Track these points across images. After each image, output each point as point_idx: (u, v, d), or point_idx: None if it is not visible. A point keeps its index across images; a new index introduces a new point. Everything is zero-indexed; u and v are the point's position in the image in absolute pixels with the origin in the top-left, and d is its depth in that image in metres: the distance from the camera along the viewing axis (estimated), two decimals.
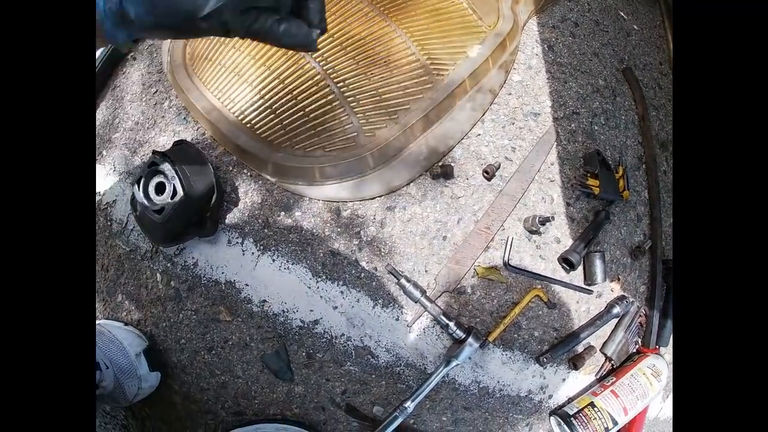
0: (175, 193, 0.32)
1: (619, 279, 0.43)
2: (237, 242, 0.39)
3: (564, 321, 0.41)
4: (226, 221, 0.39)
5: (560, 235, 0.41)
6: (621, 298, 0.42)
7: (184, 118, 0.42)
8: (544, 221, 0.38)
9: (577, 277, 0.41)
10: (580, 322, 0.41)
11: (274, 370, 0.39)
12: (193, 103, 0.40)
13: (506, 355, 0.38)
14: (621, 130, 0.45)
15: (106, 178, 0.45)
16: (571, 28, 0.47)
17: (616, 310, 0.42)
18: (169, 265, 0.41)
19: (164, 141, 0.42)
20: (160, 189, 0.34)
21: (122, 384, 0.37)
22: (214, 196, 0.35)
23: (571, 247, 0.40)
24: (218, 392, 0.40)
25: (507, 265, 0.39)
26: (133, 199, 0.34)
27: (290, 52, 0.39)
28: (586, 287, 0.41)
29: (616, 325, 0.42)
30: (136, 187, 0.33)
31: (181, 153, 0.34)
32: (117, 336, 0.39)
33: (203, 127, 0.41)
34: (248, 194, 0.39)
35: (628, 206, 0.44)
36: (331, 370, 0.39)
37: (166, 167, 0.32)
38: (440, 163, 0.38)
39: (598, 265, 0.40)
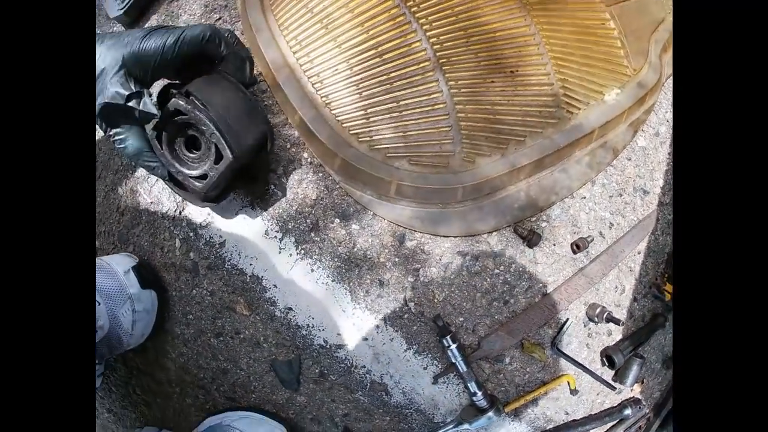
0: (219, 156, 0.23)
1: (642, 381, 0.42)
2: (275, 236, 0.31)
3: (577, 407, 0.38)
4: (269, 210, 0.31)
5: (613, 329, 0.38)
6: (636, 402, 0.39)
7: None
8: (611, 320, 0.34)
9: (608, 369, 0.39)
10: (592, 411, 0.41)
11: (281, 378, 0.35)
12: (261, 50, 0.30)
13: (513, 425, 0.35)
14: None
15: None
16: None
17: (627, 411, 0.39)
18: (191, 234, 0.33)
19: None
20: (192, 143, 0.24)
21: (117, 315, 0.31)
22: (269, 146, 0.26)
23: (617, 344, 0.37)
24: (216, 375, 0.35)
25: (554, 346, 0.36)
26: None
27: (399, 18, 0.28)
28: (613, 384, 0.39)
29: (617, 423, 0.42)
30: (158, 144, 0.24)
31: (215, 90, 0.23)
32: (104, 260, 0.33)
33: (266, 81, 0.31)
34: (302, 185, 0.31)
35: None
36: (339, 393, 0.35)
37: (199, 118, 0.22)
38: (530, 225, 0.31)
39: (634, 370, 0.35)
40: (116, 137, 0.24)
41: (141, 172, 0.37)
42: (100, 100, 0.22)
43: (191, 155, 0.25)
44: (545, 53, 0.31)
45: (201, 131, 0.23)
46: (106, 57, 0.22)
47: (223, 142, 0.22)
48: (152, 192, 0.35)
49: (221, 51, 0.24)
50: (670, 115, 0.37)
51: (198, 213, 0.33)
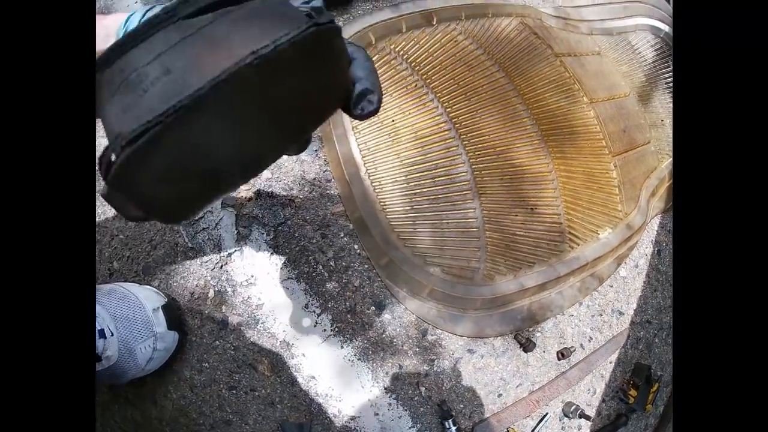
0: None
1: None
2: (314, 311, 0.36)
3: None
4: (314, 287, 0.35)
5: (583, 424, 0.45)
6: None
7: (315, 150, 0.37)
8: (582, 416, 0.42)
9: None
10: None
11: None
12: (334, 142, 0.36)
13: None
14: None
15: None
16: None
17: None
18: (229, 289, 0.37)
19: None
20: None
21: (133, 349, 0.32)
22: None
23: None
24: (217, 424, 0.37)
25: None
26: None
27: (452, 148, 0.34)
28: None
29: None
30: None
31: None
32: (132, 291, 0.34)
33: (332, 171, 0.36)
34: (347, 272, 0.36)
35: (643, 416, 0.46)
36: None
37: None
38: (528, 334, 0.38)
39: None
40: None
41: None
42: None
43: None
44: (559, 196, 0.39)
45: None
46: None
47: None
48: (196, 239, 0.38)
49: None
50: (649, 250, 0.46)
51: (241, 272, 0.37)
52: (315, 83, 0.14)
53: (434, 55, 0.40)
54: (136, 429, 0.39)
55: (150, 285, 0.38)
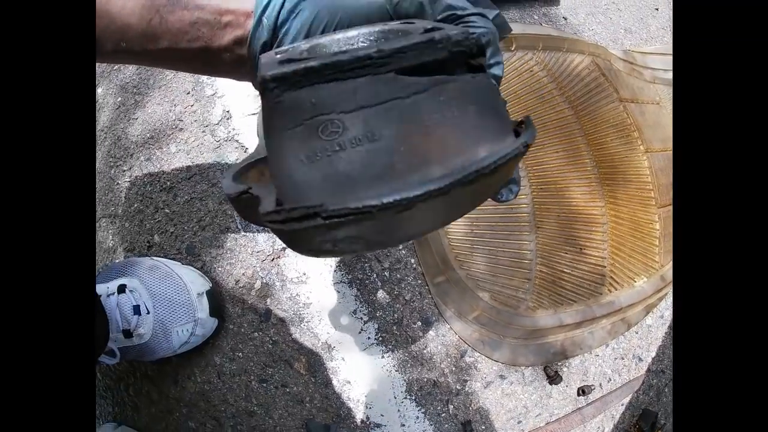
0: None
1: None
2: (361, 318, 0.36)
3: None
4: (365, 294, 0.35)
5: None
6: None
7: None
8: None
9: None
10: None
11: None
12: None
13: None
14: None
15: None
16: None
17: None
18: (278, 283, 0.37)
19: None
20: None
21: (169, 331, 0.31)
22: None
23: None
24: (239, 414, 0.37)
25: None
26: None
27: (521, 179, 0.35)
28: None
29: None
30: None
31: None
32: (176, 271, 0.33)
33: None
34: (400, 284, 0.36)
35: None
36: None
37: None
38: (556, 368, 0.39)
39: None
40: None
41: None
42: None
43: None
44: (606, 240, 0.40)
45: None
46: None
47: None
48: (250, 227, 0.37)
49: None
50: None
51: (294, 268, 0.37)
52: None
53: (510, 82, 0.41)
54: (150, 404, 0.39)
55: (192, 266, 0.37)
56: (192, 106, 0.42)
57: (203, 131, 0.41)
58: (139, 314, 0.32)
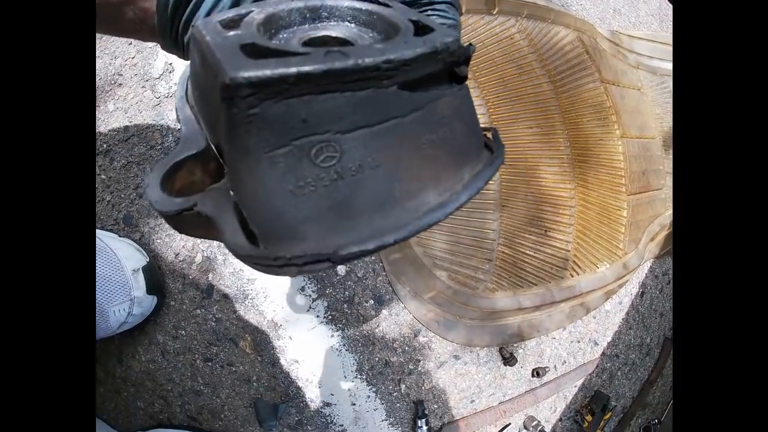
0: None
1: None
2: (309, 295, 0.34)
3: None
4: (314, 272, 0.33)
5: None
6: None
7: None
8: None
9: None
10: None
11: (260, 417, 0.36)
12: None
13: None
14: (631, 384, 0.51)
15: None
16: (664, 283, 0.50)
17: None
18: (220, 257, 0.33)
19: None
20: None
21: (105, 311, 0.28)
22: None
23: None
24: (186, 393, 0.35)
25: None
26: None
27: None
28: None
29: None
30: None
31: None
32: (110, 245, 0.30)
33: None
34: (352, 262, 0.35)
35: None
36: None
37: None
38: (512, 349, 0.39)
39: None
40: None
41: None
42: None
43: None
44: (573, 224, 0.39)
45: None
46: None
47: None
48: None
49: None
50: (635, 290, 0.49)
51: None
52: None
53: (488, 48, 0.37)
54: (98, 385, 0.36)
55: (130, 238, 0.33)
56: (133, 58, 0.36)
57: (143, 87, 0.36)
58: None
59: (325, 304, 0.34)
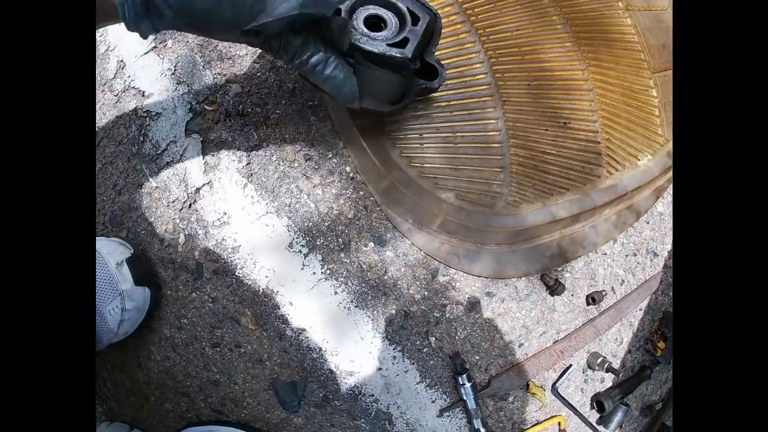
0: (404, 21, 0.22)
1: (622, 426, 0.45)
2: (299, 251, 0.29)
3: None
4: (298, 221, 0.28)
5: (606, 377, 0.40)
6: None
7: None
8: (610, 370, 0.36)
9: (594, 413, 0.40)
10: None
11: (281, 398, 0.32)
12: None
13: None
14: None
15: (157, 79, 0.31)
16: None
17: None
18: (200, 231, 0.30)
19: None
20: (373, 28, 0.22)
21: (101, 312, 0.26)
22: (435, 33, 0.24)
23: (607, 391, 0.39)
24: (205, 386, 0.32)
25: (554, 389, 0.37)
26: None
27: (467, 45, 0.27)
28: (597, 428, 0.42)
29: None
30: (355, 22, 0.21)
31: None
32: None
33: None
34: (339, 200, 0.28)
35: (665, 368, 0.41)
36: (341, 419, 0.33)
37: None
38: (556, 275, 0.32)
39: (618, 416, 0.38)
40: (307, 55, 0.18)
41: (147, 149, 0.32)
42: (285, 8, 0.15)
43: (378, 33, 0.22)
44: (596, 110, 0.31)
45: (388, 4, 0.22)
46: None
47: (418, 3, 0.22)
48: (159, 175, 0.31)
49: None
50: None
51: (212, 209, 0.30)
52: None
53: None
54: (128, 394, 0.35)
55: (118, 236, 0.31)
56: None
57: (102, 90, 0.35)
58: None
59: (319, 257, 0.29)
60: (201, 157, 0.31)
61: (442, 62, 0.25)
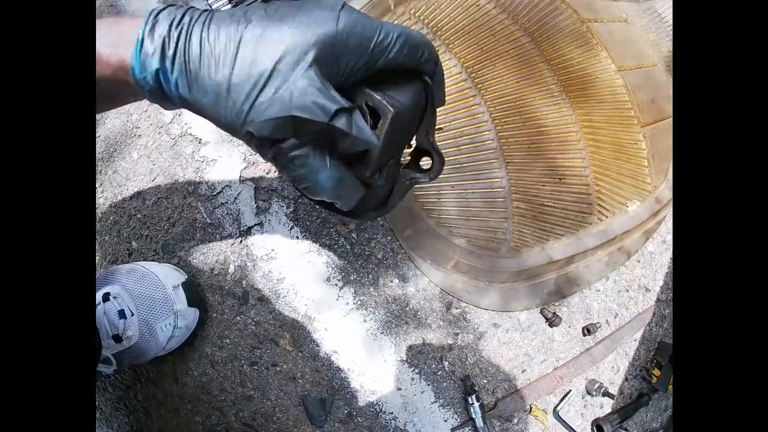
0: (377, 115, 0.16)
1: None
2: (336, 284, 0.34)
3: None
4: (335, 259, 0.33)
5: (605, 403, 0.43)
6: None
7: None
8: (606, 395, 0.40)
9: None
10: None
11: (310, 414, 0.36)
12: None
13: None
14: None
15: (214, 129, 0.36)
16: None
17: None
18: (249, 264, 0.35)
19: None
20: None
21: (153, 328, 0.31)
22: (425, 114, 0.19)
23: (606, 416, 0.42)
24: (239, 401, 0.36)
25: (555, 412, 0.41)
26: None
27: (478, 115, 0.32)
28: None
29: None
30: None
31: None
32: (150, 269, 0.33)
33: None
34: (370, 244, 0.34)
35: (663, 396, 0.44)
36: None
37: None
38: (554, 309, 0.36)
39: None
40: (299, 167, 0.15)
41: (203, 189, 0.37)
42: (275, 110, 0.13)
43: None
44: (587, 166, 0.36)
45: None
46: (285, 36, 0.13)
47: (377, 97, 0.16)
48: (214, 214, 0.36)
49: (432, 73, 0.17)
50: None
51: (261, 245, 0.35)
52: None
53: (456, 20, 0.37)
54: (158, 407, 0.38)
55: (169, 263, 0.36)
56: (146, 111, 0.41)
57: (159, 132, 0.41)
58: (125, 317, 0.31)
59: (352, 290, 0.34)
60: (253, 201, 0.37)
61: (456, 130, 0.28)
